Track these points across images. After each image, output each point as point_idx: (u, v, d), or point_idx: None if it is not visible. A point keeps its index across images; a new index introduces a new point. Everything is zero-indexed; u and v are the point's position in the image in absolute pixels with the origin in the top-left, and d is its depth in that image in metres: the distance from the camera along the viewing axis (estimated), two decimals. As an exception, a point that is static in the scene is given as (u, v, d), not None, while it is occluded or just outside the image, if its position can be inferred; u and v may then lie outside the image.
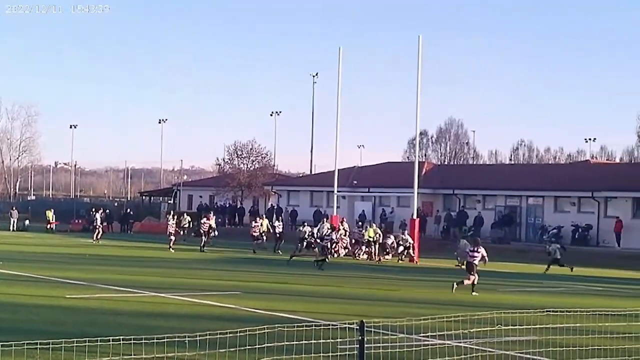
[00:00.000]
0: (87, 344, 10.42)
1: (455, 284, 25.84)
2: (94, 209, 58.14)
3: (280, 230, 47.01)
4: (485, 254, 26.45)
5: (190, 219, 55.35)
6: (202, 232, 45.28)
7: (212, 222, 46.31)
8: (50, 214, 64.73)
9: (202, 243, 44.58)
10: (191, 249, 44.39)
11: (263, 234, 46.84)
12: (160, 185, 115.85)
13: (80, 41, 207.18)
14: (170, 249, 43.80)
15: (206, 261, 38.03)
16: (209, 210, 57.58)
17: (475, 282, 25.82)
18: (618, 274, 38.46)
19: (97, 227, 51.35)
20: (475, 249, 26.54)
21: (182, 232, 52.59)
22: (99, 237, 50.54)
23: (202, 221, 46.32)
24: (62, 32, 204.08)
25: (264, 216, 52.81)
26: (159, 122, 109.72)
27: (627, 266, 42.89)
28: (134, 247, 46.38)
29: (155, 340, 10.52)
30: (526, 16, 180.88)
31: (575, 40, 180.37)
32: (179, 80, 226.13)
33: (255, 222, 48.00)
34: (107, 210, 66.09)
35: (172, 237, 45.37)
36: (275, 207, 67.50)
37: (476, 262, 26.06)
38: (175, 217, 50.31)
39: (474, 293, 25.30)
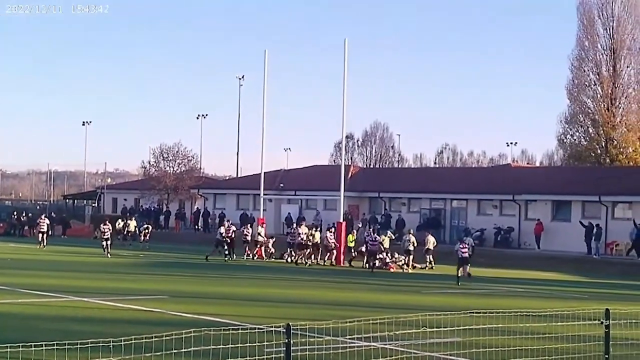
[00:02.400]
0: (8, 350, 10.24)
1: (466, 274, 33.43)
2: (42, 215, 56.84)
3: (231, 235, 43.83)
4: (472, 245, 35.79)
5: (135, 224, 54.56)
6: (226, 241, 42.74)
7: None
8: None
9: (228, 251, 42.44)
10: (129, 255, 43.96)
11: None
12: (84, 188, 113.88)
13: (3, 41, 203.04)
14: (108, 254, 43.01)
15: (132, 265, 37.64)
16: (223, 217, 54.59)
17: (463, 273, 33.34)
18: (538, 276, 39.27)
19: (44, 232, 50.03)
20: (462, 244, 34.12)
21: (127, 237, 51.97)
22: (45, 242, 49.39)
23: (228, 229, 43.52)
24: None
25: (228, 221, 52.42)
26: (83, 124, 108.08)
27: (547, 267, 43.80)
28: (59, 252, 45.54)
29: (79, 346, 10.38)
30: (449, 20, 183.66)
31: (497, 45, 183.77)
32: (103, 82, 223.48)
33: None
34: (30, 214, 64.87)
35: (109, 242, 44.51)
36: (203, 211, 67.08)
37: (466, 254, 33.55)
38: (119, 221, 49.48)
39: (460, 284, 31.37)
